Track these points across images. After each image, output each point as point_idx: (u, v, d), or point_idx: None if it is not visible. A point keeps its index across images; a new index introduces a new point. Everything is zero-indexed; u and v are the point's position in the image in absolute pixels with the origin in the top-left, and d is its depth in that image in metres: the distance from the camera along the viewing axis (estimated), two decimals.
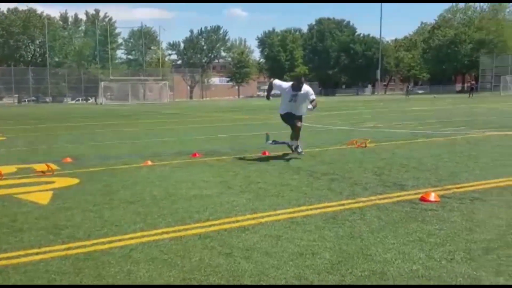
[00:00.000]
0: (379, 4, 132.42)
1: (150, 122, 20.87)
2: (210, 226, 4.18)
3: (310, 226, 4.07)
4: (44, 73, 77.03)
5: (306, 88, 8.40)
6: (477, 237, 3.61)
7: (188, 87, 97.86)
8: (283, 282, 2.91)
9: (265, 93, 9.67)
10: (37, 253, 3.57)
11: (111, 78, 68.84)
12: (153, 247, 3.66)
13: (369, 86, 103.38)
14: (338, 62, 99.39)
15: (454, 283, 2.80)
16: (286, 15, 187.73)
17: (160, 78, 73.13)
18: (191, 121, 20.83)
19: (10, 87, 75.26)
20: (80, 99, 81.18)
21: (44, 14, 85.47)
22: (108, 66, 72.72)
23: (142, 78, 77.59)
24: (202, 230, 4.07)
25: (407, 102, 37.18)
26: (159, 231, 4.06)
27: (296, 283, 2.90)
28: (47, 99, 75.72)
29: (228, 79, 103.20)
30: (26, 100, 76.80)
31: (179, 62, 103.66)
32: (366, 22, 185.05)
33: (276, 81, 9.22)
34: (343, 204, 4.76)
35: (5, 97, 79.77)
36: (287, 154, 8.69)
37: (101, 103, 63.46)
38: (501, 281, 2.80)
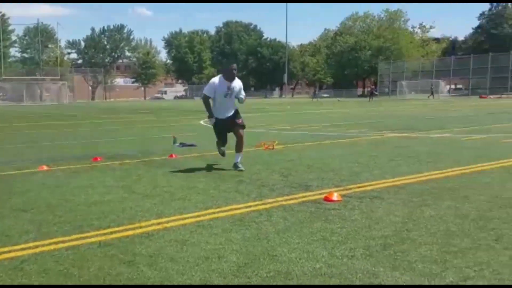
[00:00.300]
0: (285, 9, 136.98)
1: (47, 124, 19.62)
2: (111, 233, 3.97)
3: (217, 229, 4.01)
4: None
5: (238, 80, 7.19)
6: (375, 234, 3.77)
7: (90, 88, 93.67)
8: None
9: (208, 110, 7.18)
10: None
11: (4, 77, 63.95)
12: (47, 257, 3.39)
13: (277, 89, 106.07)
14: (246, 65, 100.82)
15: (354, 279, 2.89)
16: (192, 16, 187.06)
17: (59, 77, 69.16)
18: (93, 123, 19.91)
19: None
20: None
21: None
22: (0, 65, 67.46)
23: (39, 77, 72.90)
24: (103, 238, 3.84)
25: (314, 105, 38.63)
26: (55, 240, 3.78)
27: None
28: None
29: (133, 80, 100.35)
30: None
31: (80, 61, 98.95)
32: (273, 26, 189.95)
33: (207, 88, 7.16)
34: (250, 206, 4.75)
35: None
36: (195, 157, 8.54)
37: None
38: (397, 275, 2.93)
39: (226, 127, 7.20)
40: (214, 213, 4.56)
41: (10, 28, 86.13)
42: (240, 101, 7.16)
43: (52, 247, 3.62)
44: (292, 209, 4.60)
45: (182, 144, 10.37)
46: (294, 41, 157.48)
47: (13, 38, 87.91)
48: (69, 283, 2.91)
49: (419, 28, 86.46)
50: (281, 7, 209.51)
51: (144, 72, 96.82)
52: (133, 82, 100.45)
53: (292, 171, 6.76)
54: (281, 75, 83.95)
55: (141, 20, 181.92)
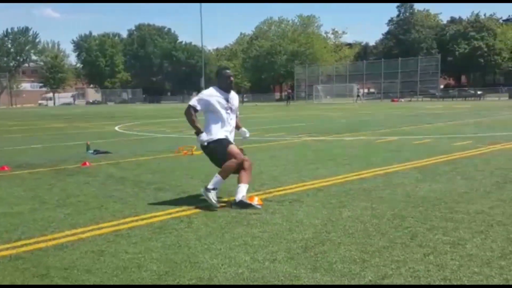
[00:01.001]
0: (199, 13, 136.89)
1: None
2: (22, 246, 3.75)
3: (136, 238, 3.92)
4: None
5: (234, 92, 5.47)
6: (296, 236, 3.86)
7: None
8: None
9: (193, 124, 5.20)
10: None
11: None
12: None
13: (194, 93, 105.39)
14: (162, 69, 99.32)
15: (276, 282, 2.94)
16: (102, 18, 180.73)
17: None
18: None
19: None
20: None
21: None
22: None
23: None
24: (13, 251, 3.62)
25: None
26: None
27: None
28: None
29: (41, 84, 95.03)
30: None
31: None
32: (188, 30, 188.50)
33: (196, 99, 5.30)
34: (171, 213, 4.70)
35: None
36: (111, 165, 8.27)
37: None
38: (318, 276, 3.02)
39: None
40: (132, 221, 4.46)
41: None
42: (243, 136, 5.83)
43: None
44: (214, 214, 4.61)
45: (96, 152, 10.02)
46: (210, 45, 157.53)
47: None
48: None
49: (332, 33, 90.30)
50: (195, 10, 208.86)
51: (52, 77, 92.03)
52: (41, 87, 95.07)
53: (212, 177, 6.76)
54: (198, 80, 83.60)
55: (48, 22, 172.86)
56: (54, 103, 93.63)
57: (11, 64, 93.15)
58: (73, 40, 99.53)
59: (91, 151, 10.04)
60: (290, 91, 66.02)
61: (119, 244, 3.77)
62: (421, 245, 3.58)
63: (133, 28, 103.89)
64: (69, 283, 2.98)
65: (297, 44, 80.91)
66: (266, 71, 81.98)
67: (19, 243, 3.82)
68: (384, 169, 7.08)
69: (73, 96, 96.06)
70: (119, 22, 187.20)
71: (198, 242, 3.76)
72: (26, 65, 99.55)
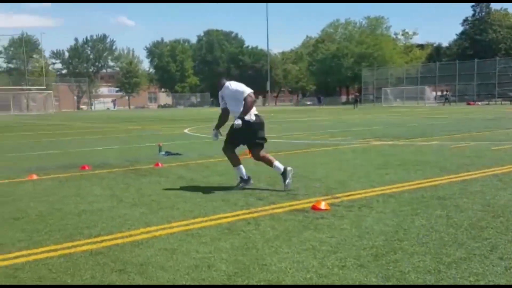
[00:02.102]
0: (266, 17, 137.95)
1: (35, 134, 19.46)
2: (101, 241, 4.00)
3: (205, 238, 4.06)
4: None
5: (232, 85, 6.45)
6: (366, 243, 3.78)
7: (75, 97, 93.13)
8: None
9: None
10: None
11: None
12: (40, 265, 3.42)
13: (260, 97, 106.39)
14: (228, 73, 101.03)
15: None
16: (174, 26, 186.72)
17: (44, 87, 68.75)
18: (80, 133, 19.78)
19: None
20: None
21: None
22: None
23: (25, 87, 72.39)
24: (94, 246, 3.87)
25: (297, 113, 38.84)
26: (47, 248, 3.80)
27: None
28: None
29: (117, 89, 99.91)
30: None
31: (64, 71, 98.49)
32: (254, 34, 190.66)
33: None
34: (238, 215, 4.81)
35: None
36: (181, 166, 8.57)
37: None
38: (391, 285, 2.96)
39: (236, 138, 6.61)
40: (202, 221, 4.61)
41: None
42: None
43: (44, 255, 3.64)
44: (280, 218, 4.66)
45: (168, 153, 10.40)
46: (276, 49, 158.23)
47: None
48: None
49: (402, 34, 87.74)
50: (262, 15, 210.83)
51: (127, 81, 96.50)
52: (117, 91, 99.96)
53: (278, 180, 6.80)
54: (264, 83, 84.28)
55: (124, 29, 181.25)
56: (129, 106, 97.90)
57: (91, 69, 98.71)
58: (146, 47, 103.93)
59: (162, 153, 10.44)
60: (357, 94, 64.77)
61: (190, 243, 3.92)
62: (502, 258, 3.40)
63: (202, 33, 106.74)
64: (144, 279, 3.14)
65: (364, 46, 79.29)
66: (332, 74, 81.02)
67: (98, 239, 4.07)
68: (460, 176, 6.78)
69: (113, 101, 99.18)
70: (189, 28, 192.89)
71: (265, 245, 3.82)
72: (104, 70, 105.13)
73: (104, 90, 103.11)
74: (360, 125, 20.52)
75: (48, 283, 3.09)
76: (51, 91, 69.51)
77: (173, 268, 3.33)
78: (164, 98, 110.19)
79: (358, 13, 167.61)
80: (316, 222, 4.46)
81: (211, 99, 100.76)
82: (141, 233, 4.25)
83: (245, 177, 6.40)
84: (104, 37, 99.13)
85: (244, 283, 3.04)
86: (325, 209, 4.88)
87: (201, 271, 3.27)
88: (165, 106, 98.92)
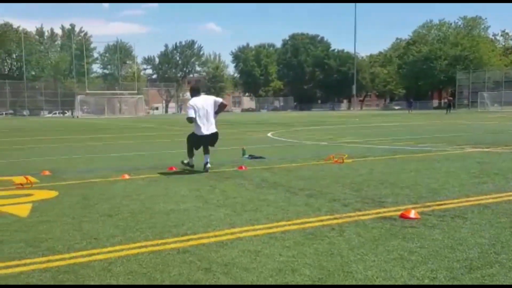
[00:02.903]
0: (353, 19, 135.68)
1: (126, 136, 20.65)
2: (188, 240, 4.12)
3: (289, 242, 4.03)
4: (20, 87, 76.55)
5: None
6: (459, 255, 3.58)
7: (164, 101, 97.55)
8: None
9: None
10: (17, 265, 3.52)
11: (87, 92, 68.56)
12: (132, 260, 3.59)
13: (345, 101, 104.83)
14: (313, 77, 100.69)
15: None
16: (259, 31, 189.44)
17: (136, 92, 72.90)
18: (168, 135, 20.67)
19: None
20: (57, 112, 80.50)
21: (20, 28, 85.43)
22: (84, 80, 72.19)
23: (118, 92, 77.27)
24: (181, 244, 4.00)
25: (384, 118, 37.75)
26: (138, 244, 3.99)
27: None
28: (24, 112, 75.24)
29: (203, 93, 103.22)
30: (4, 113, 76.10)
31: (154, 76, 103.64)
32: (340, 37, 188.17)
33: None
34: (322, 220, 4.74)
35: None
36: (264, 169, 8.64)
37: (77, 117, 63.02)
38: None
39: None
40: (285, 225, 4.59)
41: (92, 46, 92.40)
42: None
43: (136, 251, 3.82)
44: (366, 225, 4.53)
45: (251, 156, 10.52)
46: (363, 52, 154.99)
47: (95, 55, 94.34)
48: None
49: (501, 35, 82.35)
50: (349, 18, 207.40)
51: (213, 86, 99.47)
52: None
53: (364, 186, 6.65)
54: (349, 87, 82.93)
55: (210, 35, 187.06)
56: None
57: (179, 74, 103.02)
58: (232, 52, 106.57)
59: (246, 156, 10.59)
60: (450, 98, 61.33)
61: (274, 246, 3.92)
62: None
63: (287, 37, 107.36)
64: (229, 279, 3.18)
65: (459, 48, 75.32)
66: (424, 78, 77.79)
67: (185, 238, 4.20)
68: None
69: (180, 105, 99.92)
70: (274, 33, 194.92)
71: (350, 252, 3.72)
72: (191, 75, 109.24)
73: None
74: (454, 131, 19.50)
75: (138, 278, 3.23)
76: (142, 95, 73.56)
77: (257, 270, 3.35)
78: (248, 102, 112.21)
79: (453, 14, 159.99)
80: (404, 231, 4.28)
81: (295, 104, 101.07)
82: (225, 233, 4.32)
83: (192, 163, 8.65)
84: (193, 43, 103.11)
85: None
86: (415, 218, 4.66)
87: (284, 275, 3.25)
88: (248, 110, 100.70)
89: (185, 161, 8.79)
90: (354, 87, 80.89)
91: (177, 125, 31.35)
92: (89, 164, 9.75)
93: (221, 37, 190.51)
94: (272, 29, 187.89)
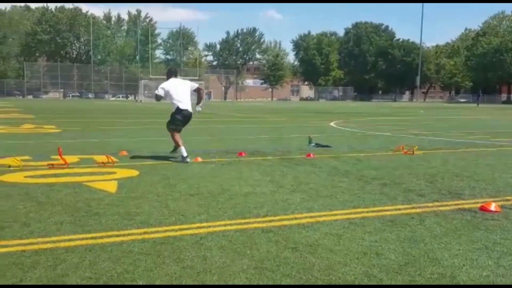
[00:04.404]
0: (420, 8, 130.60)
1: (191, 121, 21.19)
2: (270, 221, 4.29)
3: (369, 227, 4.11)
4: (88, 70, 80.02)
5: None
6: None
7: (223, 88, 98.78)
8: (352, 278, 2.99)
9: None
10: (117, 235, 3.81)
11: (151, 77, 70.57)
12: (220, 236, 3.80)
13: (407, 92, 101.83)
14: (375, 67, 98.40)
15: None
16: (321, 19, 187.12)
17: (197, 78, 74.30)
18: (230, 121, 21.07)
19: (56, 82, 78.66)
20: (121, 96, 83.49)
21: (89, 13, 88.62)
22: (147, 65, 74.34)
23: (179, 77, 78.96)
24: (263, 224, 4.17)
25: (451, 110, 36.45)
26: (223, 222, 4.21)
27: (366, 280, 2.96)
28: (90, 95, 78.59)
29: (262, 81, 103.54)
30: (71, 95, 79.87)
31: (215, 63, 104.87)
32: (406, 27, 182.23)
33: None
34: (400, 209, 4.78)
35: (51, 91, 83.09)
36: (332, 158, 8.68)
37: (140, 101, 65.07)
38: None
39: None
40: (363, 212, 4.66)
41: (157, 32, 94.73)
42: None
43: (222, 228, 4.04)
44: (446, 216, 4.52)
45: (318, 145, 10.58)
46: (429, 42, 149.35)
47: (159, 41, 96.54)
48: (244, 261, 3.25)
49: None
50: (415, 7, 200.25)
51: (272, 74, 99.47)
52: (261, 83, 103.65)
53: (438, 178, 6.58)
54: (413, 78, 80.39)
55: (271, 23, 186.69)
56: (272, 98, 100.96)
57: (239, 62, 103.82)
58: (292, 40, 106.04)
59: (312, 144, 10.66)
60: None
61: (355, 231, 4.01)
62: None
63: (350, 26, 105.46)
64: (316, 258, 3.32)
65: None
66: (493, 70, 74.11)
67: (266, 219, 4.38)
68: None
69: (208, 93, 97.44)
70: (337, 21, 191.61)
71: (433, 240, 3.76)
72: (251, 63, 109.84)
73: (249, 82, 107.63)
74: None
75: (230, 252, 3.43)
76: (203, 82, 74.85)
77: (342, 252, 3.47)
78: (307, 91, 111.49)
79: None
80: (486, 223, 4.25)
81: (354, 94, 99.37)
82: (304, 217, 4.46)
83: (185, 155, 7.98)
84: (254, 30, 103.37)
85: (416, 274, 3.05)
86: (496, 211, 4.60)
87: (370, 258, 3.35)
88: (307, 99, 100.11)
89: (177, 153, 8.23)
90: (418, 78, 78.35)
91: (240, 111, 31.81)
92: (160, 146, 10.16)
93: (282, 25, 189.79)
94: (334, 17, 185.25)
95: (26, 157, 8.00)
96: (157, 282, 2.90)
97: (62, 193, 5.30)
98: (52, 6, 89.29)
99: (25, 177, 6.29)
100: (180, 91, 8.39)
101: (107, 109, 32.96)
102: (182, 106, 8.30)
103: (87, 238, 3.72)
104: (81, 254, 3.37)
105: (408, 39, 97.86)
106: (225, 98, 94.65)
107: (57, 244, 3.56)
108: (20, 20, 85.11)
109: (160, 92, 8.37)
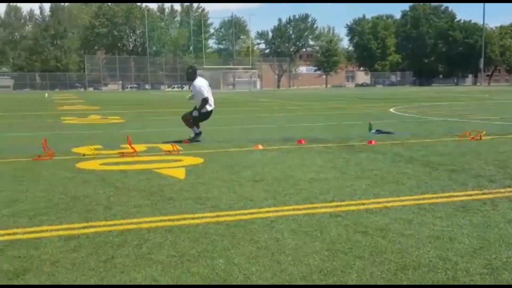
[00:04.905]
0: None
1: (247, 110, 21.47)
2: (337, 206, 4.35)
3: (440, 213, 4.08)
4: (144, 62, 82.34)
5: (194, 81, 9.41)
6: None
7: (276, 76, 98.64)
8: (426, 261, 3.00)
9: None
10: (192, 218, 4.01)
11: (204, 67, 71.65)
12: (290, 220, 3.91)
13: (470, 76, 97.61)
14: (435, 50, 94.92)
15: None
16: (376, 2, 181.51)
17: (250, 67, 74.70)
18: (286, 109, 21.12)
19: (114, 74, 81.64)
20: (176, 86, 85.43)
21: (144, 5, 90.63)
22: (201, 55, 75.39)
23: (232, 67, 79.70)
24: (331, 209, 4.24)
25: None
26: (290, 207, 4.31)
27: (441, 263, 2.97)
28: (147, 86, 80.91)
29: (315, 68, 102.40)
30: (129, 86, 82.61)
31: (267, 51, 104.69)
32: (467, 7, 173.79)
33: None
34: (470, 195, 4.69)
35: (110, 83, 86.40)
36: (395, 144, 8.56)
37: None
38: None
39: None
40: (432, 198, 4.62)
41: (209, 21, 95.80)
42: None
43: (290, 212, 4.15)
44: None
45: (378, 131, 10.44)
46: (493, 23, 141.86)
47: (211, 31, 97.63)
48: (316, 243, 3.34)
49: None
50: None
51: (326, 60, 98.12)
52: (315, 70, 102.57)
53: (509, 163, 6.37)
54: (476, 61, 76.99)
55: (324, 8, 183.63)
56: (326, 85, 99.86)
57: (291, 49, 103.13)
58: (346, 25, 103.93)
59: (373, 131, 10.52)
60: None
61: (425, 216, 4.00)
62: None
63: (407, 8, 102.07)
64: (387, 242, 3.35)
65: None
66: None
67: (333, 204, 4.43)
68: None
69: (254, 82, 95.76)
70: (393, 4, 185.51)
71: (508, 225, 3.69)
72: (304, 50, 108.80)
73: (302, 69, 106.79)
74: None
75: (301, 235, 3.53)
76: (255, 70, 75.17)
77: (413, 236, 3.48)
78: (362, 76, 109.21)
79: None
80: None
81: (413, 78, 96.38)
82: (371, 202, 4.48)
83: (198, 131, 9.27)
84: (306, 16, 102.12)
85: (492, 258, 3.02)
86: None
87: (443, 242, 3.34)
88: (362, 85, 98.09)
89: (193, 134, 9.33)
90: (481, 60, 74.94)
91: (295, 99, 31.78)
92: (222, 135, 10.40)
93: (335, 10, 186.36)
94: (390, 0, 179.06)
95: (98, 146, 8.45)
96: (235, 261, 3.04)
97: (135, 179, 5.59)
98: None
99: (100, 164, 6.67)
100: (210, 92, 9.49)
101: (165, 100, 33.86)
102: (211, 106, 9.46)
103: (165, 220, 3.94)
104: (162, 234, 3.59)
105: (470, 20, 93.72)
106: (278, 86, 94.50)
107: (139, 225, 3.81)
108: (78, 14, 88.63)
109: (206, 94, 9.30)
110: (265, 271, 2.88)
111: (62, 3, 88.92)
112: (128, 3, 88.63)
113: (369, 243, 3.33)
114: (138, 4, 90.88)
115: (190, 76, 9.57)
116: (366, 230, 3.64)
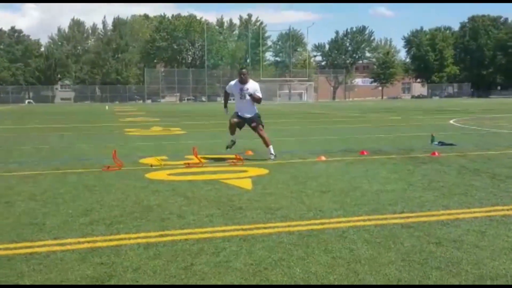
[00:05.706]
0: None
1: (305, 121, 21.56)
2: (407, 217, 4.39)
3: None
4: (201, 74, 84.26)
5: (253, 83, 8.63)
6: None
7: (331, 88, 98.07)
8: (503, 272, 3.02)
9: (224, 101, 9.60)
10: (264, 228, 4.15)
11: (261, 79, 72.49)
12: (361, 231, 3.99)
13: None
14: (494, 62, 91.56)
15: None
16: (434, 14, 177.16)
17: (306, 79, 74.76)
18: (344, 121, 21.04)
19: (172, 86, 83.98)
20: (232, 99, 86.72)
21: (203, 19, 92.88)
22: (258, 68, 76.26)
23: (288, 79, 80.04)
24: (402, 220, 4.29)
25: None
26: (361, 218, 4.39)
27: None
28: (203, 98, 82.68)
29: (371, 80, 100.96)
30: (186, 98, 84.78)
31: (324, 63, 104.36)
32: None
33: (228, 85, 9.17)
34: None
35: (168, 96, 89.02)
36: (459, 156, 8.41)
37: None
38: None
39: (241, 124, 8.74)
40: (503, 210, 4.58)
41: (267, 34, 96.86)
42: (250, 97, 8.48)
43: (360, 223, 4.23)
44: None
45: (441, 143, 10.28)
46: None
47: (269, 43, 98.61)
48: (391, 254, 3.41)
49: None
50: None
51: (383, 72, 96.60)
52: (371, 82, 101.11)
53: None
54: None
55: (382, 20, 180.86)
56: (382, 97, 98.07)
57: (348, 61, 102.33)
58: (404, 36, 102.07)
59: (435, 143, 10.38)
60: None
61: (497, 228, 3.98)
62: None
63: (466, 20, 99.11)
64: (462, 253, 3.38)
65: None
66: None
67: (403, 215, 4.46)
68: None
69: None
70: (452, 15, 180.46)
71: None
72: (360, 61, 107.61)
73: (358, 80, 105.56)
74: None
75: (375, 246, 3.61)
76: (312, 82, 75.15)
77: (488, 248, 3.49)
78: (418, 88, 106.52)
79: None
80: None
81: (471, 90, 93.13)
82: (442, 214, 4.49)
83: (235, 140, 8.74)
84: (363, 28, 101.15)
85: None
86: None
87: None
88: (418, 96, 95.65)
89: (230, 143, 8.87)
90: None
91: (352, 110, 31.56)
92: (282, 146, 10.54)
93: (392, 22, 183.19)
94: (448, 11, 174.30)
95: (164, 157, 8.80)
96: (312, 270, 3.14)
97: (204, 189, 5.79)
98: (168, 14, 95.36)
99: (167, 174, 6.96)
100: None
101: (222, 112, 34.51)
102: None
103: (238, 230, 4.08)
104: (237, 243, 3.72)
105: None
106: (333, 98, 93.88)
107: (214, 234, 3.95)
108: (140, 28, 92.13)
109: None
110: (343, 280, 2.97)
111: (125, 18, 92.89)
112: (188, 18, 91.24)
113: (444, 254, 3.38)
114: (198, 17, 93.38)
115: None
116: (440, 241, 3.68)
